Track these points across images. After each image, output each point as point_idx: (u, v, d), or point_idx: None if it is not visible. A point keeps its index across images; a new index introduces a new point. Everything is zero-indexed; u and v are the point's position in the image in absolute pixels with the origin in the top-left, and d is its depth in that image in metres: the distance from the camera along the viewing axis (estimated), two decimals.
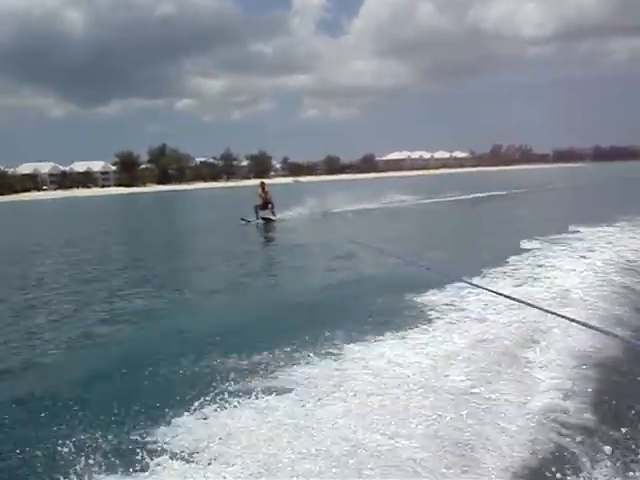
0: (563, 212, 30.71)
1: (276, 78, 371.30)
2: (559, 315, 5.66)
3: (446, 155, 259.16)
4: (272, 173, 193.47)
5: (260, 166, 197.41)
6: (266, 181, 36.88)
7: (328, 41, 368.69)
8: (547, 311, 6.35)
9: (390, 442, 5.25)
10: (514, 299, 6.77)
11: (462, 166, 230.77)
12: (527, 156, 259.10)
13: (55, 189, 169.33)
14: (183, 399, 6.24)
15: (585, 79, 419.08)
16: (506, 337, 8.04)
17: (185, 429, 5.71)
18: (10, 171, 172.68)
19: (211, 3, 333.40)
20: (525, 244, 16.71)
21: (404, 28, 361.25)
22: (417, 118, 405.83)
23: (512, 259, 14.41)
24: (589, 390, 6.47)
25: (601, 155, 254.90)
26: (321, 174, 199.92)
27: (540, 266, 13.53)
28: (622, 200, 33.33)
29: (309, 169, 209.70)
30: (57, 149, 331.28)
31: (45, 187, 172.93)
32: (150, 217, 49.05)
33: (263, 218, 30.97)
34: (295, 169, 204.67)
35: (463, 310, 9.70)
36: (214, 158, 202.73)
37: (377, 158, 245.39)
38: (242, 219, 30.88)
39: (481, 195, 47.40)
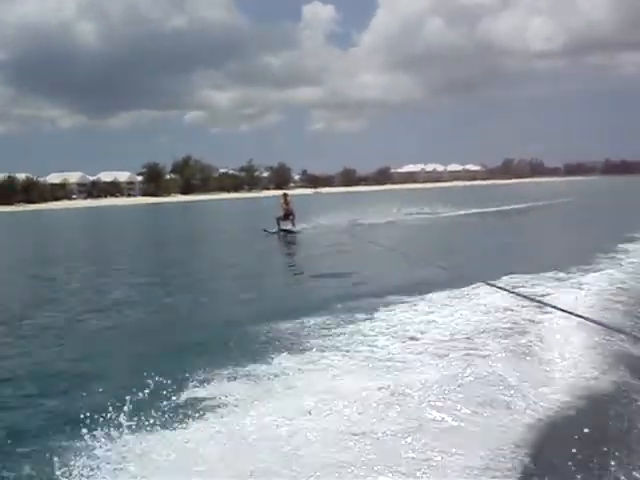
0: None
1: (285, 90, 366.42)
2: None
3: (459, 168, 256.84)
4: (291, 184, 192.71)
5: (280, 178, 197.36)
6: (287, 192, 35.66)
7: (337, 54, 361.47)
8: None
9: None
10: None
11: (474, 179, 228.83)
12: (538, 170, 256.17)
13: (84, 198, 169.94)
14: None
15: (594, 93, 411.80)
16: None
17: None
18: (41, 180, 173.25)
19: (221, 16, 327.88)
20: None
21: (414, 42, 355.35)
22: (428, 131, 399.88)
23: None
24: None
25: (612, 169, 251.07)
26: (337, 186, 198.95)
27: None
28: None
29: (326, 181, 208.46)
30: (71, 159, 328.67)
31: (74, 196, 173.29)
32: (182, 227, 48.22)
33: (284, 230, 29.92)
34: (313, 180, 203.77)
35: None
36: (233, 170, 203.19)
37: (392, 170, 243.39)
38: (264, 230, 30.11)
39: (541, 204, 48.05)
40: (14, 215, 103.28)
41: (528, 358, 7.45)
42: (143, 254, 27.71)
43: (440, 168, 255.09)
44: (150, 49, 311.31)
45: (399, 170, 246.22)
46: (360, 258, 19.65)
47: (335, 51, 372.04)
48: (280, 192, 36.70)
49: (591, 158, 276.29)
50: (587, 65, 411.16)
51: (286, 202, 30.67)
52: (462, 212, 40.56)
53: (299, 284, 16.43)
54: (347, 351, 7.85)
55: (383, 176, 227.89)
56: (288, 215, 30.56)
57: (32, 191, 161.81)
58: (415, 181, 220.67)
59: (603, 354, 7.47)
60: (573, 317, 6.21)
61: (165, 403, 6.07)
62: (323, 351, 7.84)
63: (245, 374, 7.06)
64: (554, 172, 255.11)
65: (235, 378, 6.93)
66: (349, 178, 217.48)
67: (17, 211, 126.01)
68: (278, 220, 30.34)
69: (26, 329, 11.33)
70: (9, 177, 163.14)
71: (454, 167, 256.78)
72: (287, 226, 30.26)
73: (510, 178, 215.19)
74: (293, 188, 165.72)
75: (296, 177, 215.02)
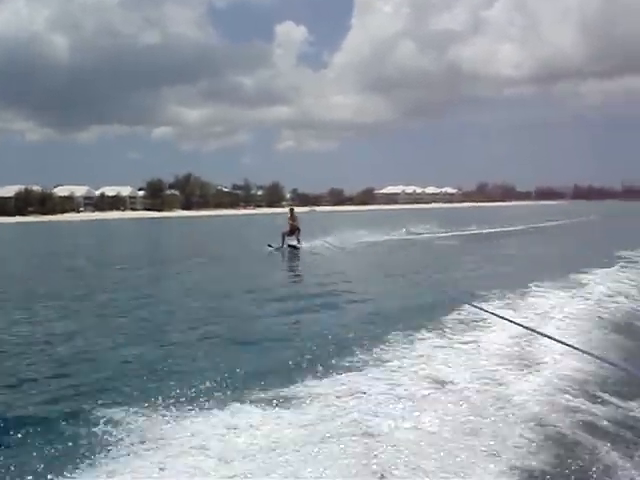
0: None
1: (255, 109, 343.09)
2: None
3: (436, 190, 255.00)
4: (284, 203, 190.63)
5: (274, 196, 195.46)
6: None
7: (309, 74, 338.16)
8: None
9: None
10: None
11: (450, 201, 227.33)
12: (511, 193, 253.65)
13: (92, 211, 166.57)
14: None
15: (562, 120, 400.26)
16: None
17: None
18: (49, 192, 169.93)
19: (193, 33, 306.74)
20: None
21: (385, 65, 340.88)
22: (399, 153, 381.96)
23: None
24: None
25: (580, 194, 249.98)
26: (326, 204, 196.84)
27: None
28: None
29: (316, 199, 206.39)
30: (39, 172, 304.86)
31: (81, 209, 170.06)
32: (192, 242, 44.56)
33: (289, 245, 27.60)
34: (304, 199, 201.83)
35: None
36: (226, 187, 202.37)
37: (375, 191, 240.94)
38: (269, 246, 27.71)
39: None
40: (40, 225, 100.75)
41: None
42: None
43: (419, 190, 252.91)
44: (121, 63, 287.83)
45: (381, 191, 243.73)
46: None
47: (306, 71, 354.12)
48: (286, 209, 34.78)
49: (560, 183, 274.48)
50: (554, 93, 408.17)
51: (292, 217, 28.62)
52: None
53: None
54: None
55: (368, 196, 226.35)
56: (294, 230, 28.46)
57: (46, 203, 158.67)
58: (396, 202, 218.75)
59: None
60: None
61: None
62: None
63: None
64: (526, 196, 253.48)
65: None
66: (337, 197, 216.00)
67: (36, 222, 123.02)
68: (284, 235, 28.38)
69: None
70: (26, 189, 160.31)
71: (432, 189, 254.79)
72: (292, 242, 28.46)
73: (484, 201, 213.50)
74: (285, 206, 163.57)
75: (287, 195, 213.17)
